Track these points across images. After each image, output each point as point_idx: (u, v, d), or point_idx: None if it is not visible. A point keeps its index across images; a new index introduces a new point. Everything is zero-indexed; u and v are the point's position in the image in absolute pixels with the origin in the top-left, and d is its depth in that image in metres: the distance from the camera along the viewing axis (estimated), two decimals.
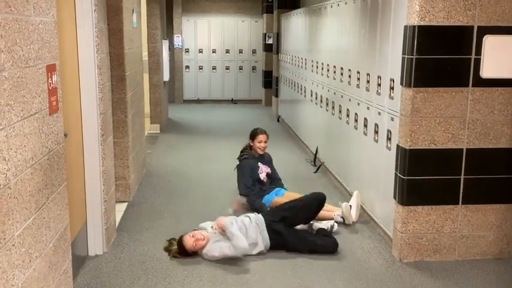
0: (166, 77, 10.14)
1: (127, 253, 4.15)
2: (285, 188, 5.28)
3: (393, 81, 4.19)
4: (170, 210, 5.17)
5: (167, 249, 4.12)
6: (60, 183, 2.73)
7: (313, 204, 4.42)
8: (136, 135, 5.85)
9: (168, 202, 5.46)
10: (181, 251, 4.04)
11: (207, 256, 4.00)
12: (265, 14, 12.48)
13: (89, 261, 3.97)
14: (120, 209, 5.07)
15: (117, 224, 4.69)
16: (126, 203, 5.33)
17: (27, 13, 2.28)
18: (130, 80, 5.37)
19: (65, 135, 3.08)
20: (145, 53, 7.92)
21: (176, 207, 5.27)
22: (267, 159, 5.46)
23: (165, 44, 9.96)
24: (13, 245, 2.12)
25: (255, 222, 4.19)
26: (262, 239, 4.11)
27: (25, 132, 2.25)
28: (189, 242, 4.02)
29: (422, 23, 3.69)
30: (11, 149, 2.10)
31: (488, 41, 3.74)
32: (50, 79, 2.56)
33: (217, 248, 3.97)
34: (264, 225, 4.17)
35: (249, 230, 4.10)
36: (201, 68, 13.59)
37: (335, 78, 6.11)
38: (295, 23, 9.15)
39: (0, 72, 1.99)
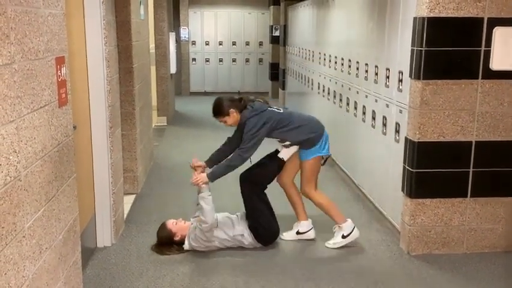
0: (172, 69, 10.14)
1: (136, 245, 4.17)
2: None
3: (402, 74, 4.16)
4: (177, 202, 5.19)
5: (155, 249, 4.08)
6: (69, 175, 2.74)
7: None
8: (143, 127, 5.86)
9: (175, 194, 5.48)
10: (160, 233, 4.08)
11: (191, 246, 4.02)
12: (272, 6, 12.44)
13: (97, 253, 4.00)
14: (128, 201, 5.09)
15: (125, 216, 4.71)
16: (134, 195, 5.35)
17: (36, 5, 2.28)
18: (137, 73, 5.37)
19: (74, 127, 3.08)
20: (152, 46, 7.91)
21: (184, 199, 5.28)
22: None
23: (172, 36, 9.96)
24: (24, 237, 2.13)
25: (240, 217, 4.19)
26: (248, 233, 4.08)
27: (35, 124, 2.25)
28: (170, 221, 4.14)
29: (431, 15, 3.66)
30: (21, 141, 2.10)
31: (499, 33, 3.70)
32: (59, 71, 2.56)
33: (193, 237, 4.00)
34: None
35: (235, 224, 4.11)
36: (207, 60, 13.58)
37: (342, 71, 6.09)
38: (303, 15, 9.11)
39: (10, 65, 2.00)
